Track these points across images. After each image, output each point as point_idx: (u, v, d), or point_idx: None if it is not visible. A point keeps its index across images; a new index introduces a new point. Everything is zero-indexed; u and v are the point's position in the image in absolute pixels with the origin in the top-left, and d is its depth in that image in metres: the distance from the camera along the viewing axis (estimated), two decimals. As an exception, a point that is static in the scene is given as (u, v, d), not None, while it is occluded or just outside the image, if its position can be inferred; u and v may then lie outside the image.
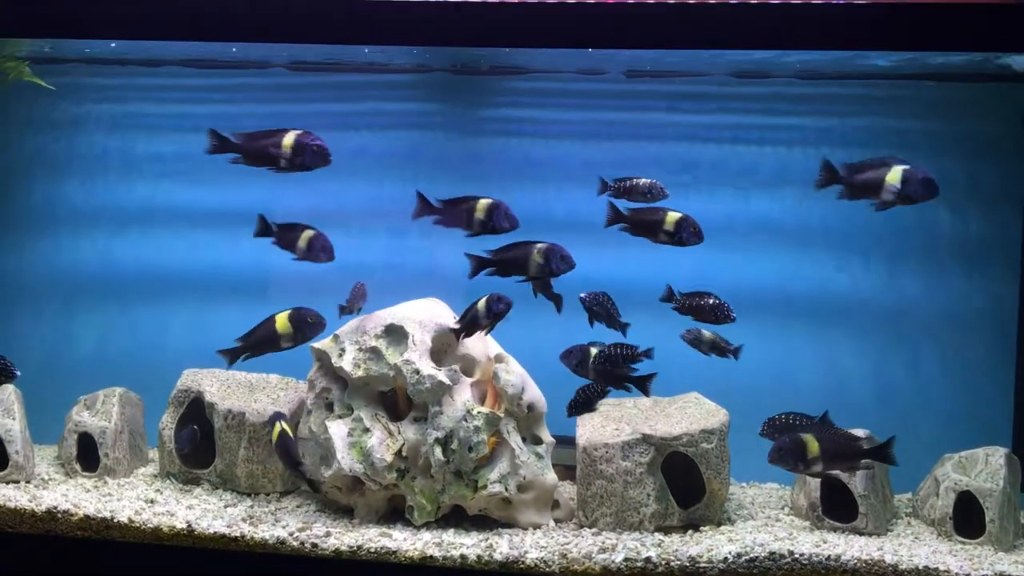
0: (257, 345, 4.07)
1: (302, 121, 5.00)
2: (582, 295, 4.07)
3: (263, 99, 5.10)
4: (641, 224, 3.97)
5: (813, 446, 3.78)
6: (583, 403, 4.09)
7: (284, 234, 4.16)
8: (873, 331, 4.72)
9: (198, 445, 4.37)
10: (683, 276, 4.78)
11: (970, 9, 3.66)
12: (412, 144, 5.02)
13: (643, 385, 3.96)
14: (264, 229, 4.14)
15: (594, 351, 3.95)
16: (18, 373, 4.42)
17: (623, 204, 4.06)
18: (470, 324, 3.96)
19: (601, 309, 4.06)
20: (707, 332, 4.09)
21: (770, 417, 4.01)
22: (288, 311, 4.03)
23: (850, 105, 4.72)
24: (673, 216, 3.93)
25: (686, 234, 3.92)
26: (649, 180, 4.05)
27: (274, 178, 5.01)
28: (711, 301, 4.00)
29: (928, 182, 3.74)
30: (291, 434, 4.00)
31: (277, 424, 3.98)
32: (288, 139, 3.89)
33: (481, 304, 3.93)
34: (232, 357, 4.09)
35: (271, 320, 4.05)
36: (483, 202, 3.88)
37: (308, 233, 4.14)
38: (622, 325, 4.09)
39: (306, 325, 3.98)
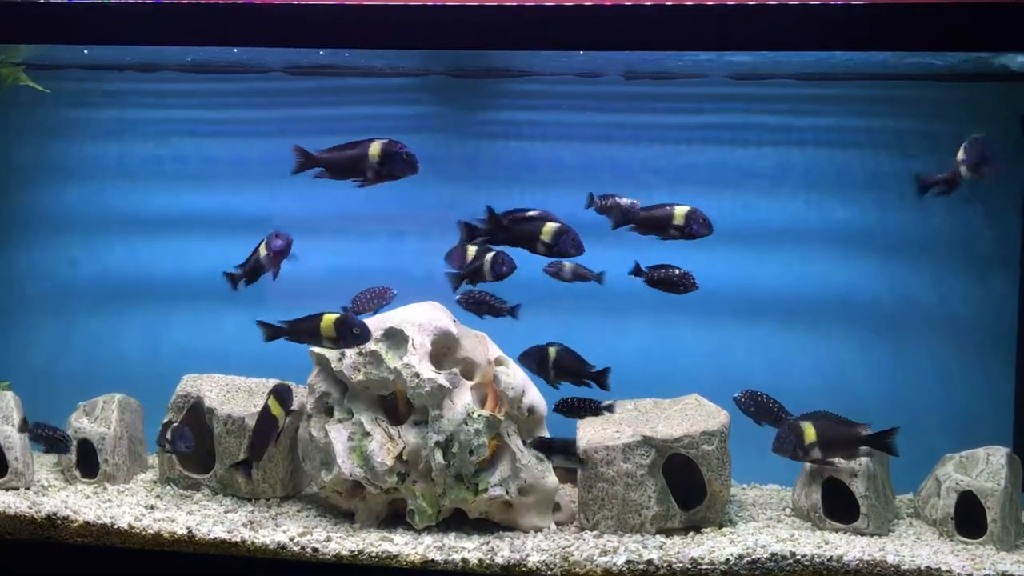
0: (298, 334, 4.00)
1: (298, 126, 5.06)
2: (458, 298, 4.12)
3: (261, 104, 5.10)
4: (649, 222, 3.97)
5: (810, 432, 3.81)
6: (571, 408, 4.04)
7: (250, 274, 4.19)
8: (873, 332, 4.72)
9: (190, 443, 4.30)
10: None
11: (967, 8, 3.66)
12: (410, 148, 5.01)
13: (601, 380, 3.93)
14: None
15: (553, 351, 3.93)
16: (72, 446, 4.42)
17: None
18: (474, 274, 3.94)
19: (483, 306, 4.10)
20: (567, 263, 4.10)
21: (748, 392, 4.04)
22: (337, 316, 3.94)
23: (848, 106, 4.72)
24: (681, 210, 3.93)
25: (696, 226, 3.92)
26: (630, 200, 4.06)
27: (272, 183, 5.06)
28: (677, 271, 4.02)
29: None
30: (280, 421, 4.01)
31: (271, 399, 4.01)
32: (375, 148, 3.79)
33: (487, 260, 3.92)
34: (270, 334, 4.00)
35: (318, 317, 3.95)
36: (550, 225, 3.82)
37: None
38: (509, 310, 4.11)
39: (350, 334, 3.93)
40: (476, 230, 3.89)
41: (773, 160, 4.81)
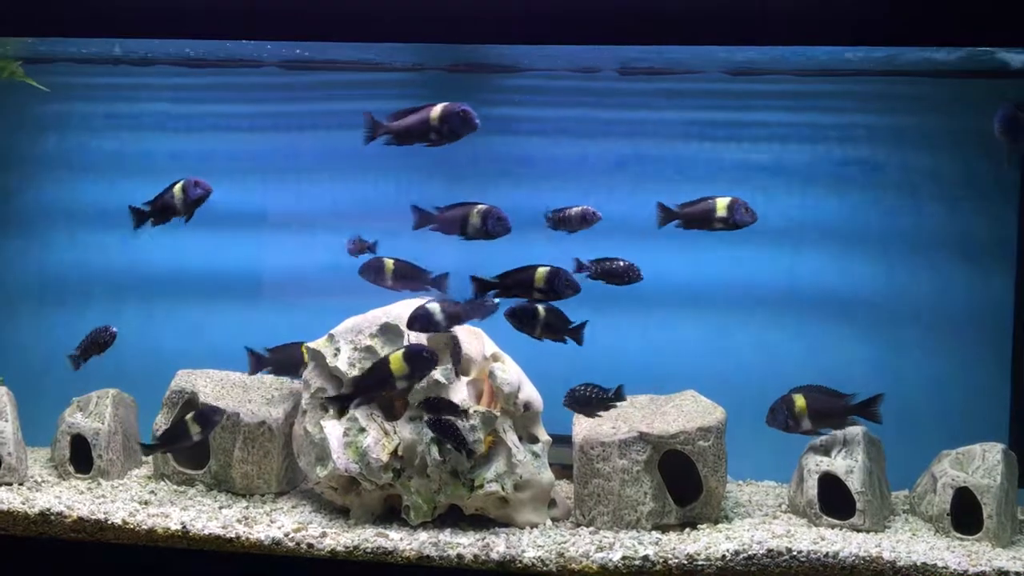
0: (508, 288, 3.96)
1: (296, 121, 5.05)
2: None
3: (256, 98, 5.08)
4: (693, 217, 3.99)
5: (801, 404, 3.89)
6: (581, 401, 4.04)
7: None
8: (869, 328, 4.72)
9: (220, 413, 4.21)
10: (679, 270, 4.80)
11: (967, 4, 3.66)
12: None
13: (576, 334, 3.97)
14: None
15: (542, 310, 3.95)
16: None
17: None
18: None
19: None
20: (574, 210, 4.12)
21: (571, 388, 4.01)
22: (548, 268, 3.88)
23: (845, 101, 4.72)
24: (723, 201, 3.94)
25: (739, 216, 3.92)
26: (581, 208, 4.11)
27: (268, 179, 5.05)
28: (621, 264, 4.02)
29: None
30: (394, 380, 3.89)
31: (397, 354, 3.87)
32: (435, 111, 3.86)
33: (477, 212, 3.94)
34: (482, 287, 3.95)
35: (532, 269, 3.91)
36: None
37: None
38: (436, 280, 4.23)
39: (562, 285, 3.86)
40: (428, 216, 4.02)
41: (769, 156, 4.80)
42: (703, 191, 4.07)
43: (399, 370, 3.84)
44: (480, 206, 3.96)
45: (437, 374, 4.03)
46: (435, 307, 3.95)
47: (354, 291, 4.34)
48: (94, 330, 4.33)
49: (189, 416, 4.15)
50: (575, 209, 4.10)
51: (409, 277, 4.25)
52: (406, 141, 3.95)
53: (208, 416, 4.14)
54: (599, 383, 4.02)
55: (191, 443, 4.17)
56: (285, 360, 4.29)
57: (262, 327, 4.84)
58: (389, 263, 4.23)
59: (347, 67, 4.92)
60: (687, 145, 4.84)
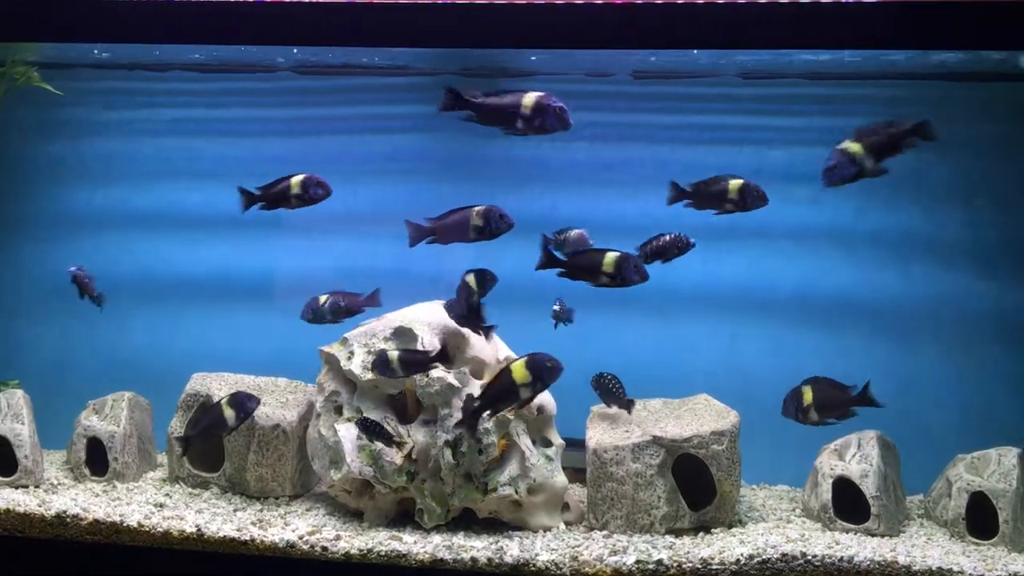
0: (576, 270, 3.88)
1: (310, 126, 5.06)
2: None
3: (270, 103, 5.10)
4: (705, 196, 3.95)
5: (808, 396, 3.98)
6: (606, 389, 4.21)
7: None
8: (885, 331, 4.70)
9: (255, 400, 4.18)
10: (693, 274, 4.79)
11: (989, 7, 3.63)
12: (420, 147, 5.02)
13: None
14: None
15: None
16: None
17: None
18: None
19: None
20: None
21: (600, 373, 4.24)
22: (619, 254, 3.83)
23: (862, 106, 4.70)
24: (736, 183, 3.92)
25: (750, 199, 3.91)
26: (579, 230, 4.19)
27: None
28: (667, 238, 4.02)
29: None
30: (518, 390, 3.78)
31: (518, 363, 3.76)
32: (529, 99, 3.68)
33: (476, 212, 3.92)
34: (545, 262, 3.88)
35: (601, 253, 3.85)
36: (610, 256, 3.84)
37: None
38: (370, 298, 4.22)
39: (631, 270, 3.81)
40: (423, 229, 3.99)
41: (781, 161, 4.80)
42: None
43: (522, 378, 3.76)
44: (478, 208, 3.89)
45: (450, 377, 4.04)
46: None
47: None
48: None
49: (224, 399, 4.11)
50: (574, 232, 4.19)
51: (348, 309, 4.25)
52: (486, 121, 3.76)
53: (243, 402, 4.11)
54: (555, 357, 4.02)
55: (226, 430, 4.14)
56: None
57: (276, 330, 4.87)
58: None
59: (362, 72, 4.94)
60: (695, 150, 4.84)
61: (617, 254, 3.81)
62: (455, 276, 4.28)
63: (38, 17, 4.28)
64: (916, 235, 4.70)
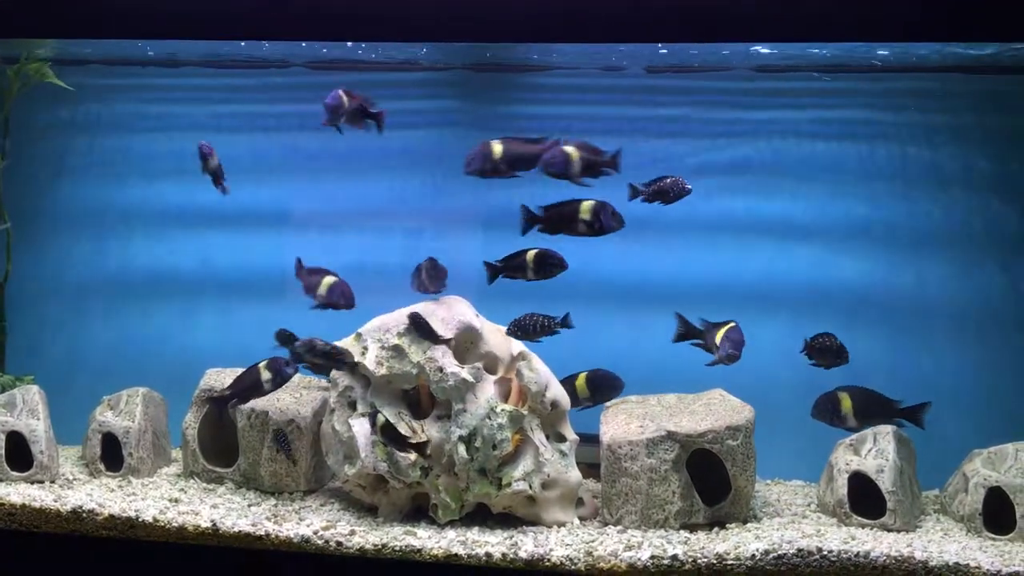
0: (552, 222, 3.98)
1: (319, 120, 5.06)
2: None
3: (283, 99, 5.11)
4: (556, 219, 3.96)
5: (846, 403, 3.92)
6: (524, 329, 4.09)
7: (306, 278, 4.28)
8: (900, 326, 4.69)
9: (294, 367, 4.19)
10: (708, 269, 4.79)
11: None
12: (432, 142, 5.01)
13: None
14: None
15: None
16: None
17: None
18: (515, 269, 4.03)
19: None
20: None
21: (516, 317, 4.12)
22: (593, 201, 3.91)
23: (877, 99, 4.68)
24: (588, 204, 3.90)
25: (605, 220, 3.90)
26: (674, 177, 4.09)
27: (292, 179, 5.07)
28: (668, 180, 4.02)
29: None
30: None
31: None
32: (585, 206, 3.90)
33: (530, 257, 3.95)
34: (528, 217, 3.99)
35: (576, 202, 3.94)
36: (586, 204, 3.90)
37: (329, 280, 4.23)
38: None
39: (608, 217, 3.90)
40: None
41: (796, 154, 4.78)
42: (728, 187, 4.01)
43: (581, 391, 4.20)
44: (588, 202, 3.90)
45: (464, 372, 4.03)
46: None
47: (379, 291, 4.34)
48: None
49: (263, 363, 4.14)
50: (668, 179, 4.07)
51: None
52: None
53: (280, 367, 4.13)
54: (617, 374, 4.21)
55: (261, 392, 4.16)
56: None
57: (289, 325, 4.86)
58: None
59: (373, 67, 4.94)
60: (714, 142, 4.82)
61: (593, 201, 3.85)
62: (464, 272, 4.29)
63: (50, 13, 4.30)
64: (933, 228, 4.68)
